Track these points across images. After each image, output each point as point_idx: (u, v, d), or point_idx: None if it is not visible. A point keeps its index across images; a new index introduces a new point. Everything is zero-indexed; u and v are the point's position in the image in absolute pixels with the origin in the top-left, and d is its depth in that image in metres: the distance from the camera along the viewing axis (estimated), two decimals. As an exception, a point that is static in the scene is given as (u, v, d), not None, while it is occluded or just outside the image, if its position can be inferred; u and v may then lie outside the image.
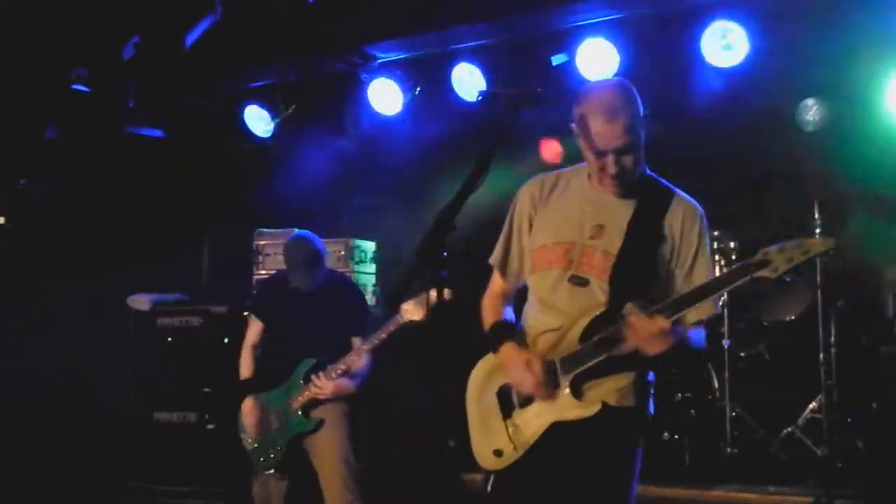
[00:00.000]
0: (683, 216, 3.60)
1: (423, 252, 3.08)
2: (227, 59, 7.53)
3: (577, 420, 3.53)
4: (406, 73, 7.44)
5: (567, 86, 6.41)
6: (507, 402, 3.70)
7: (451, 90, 7.16)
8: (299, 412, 5.89)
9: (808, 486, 6.39)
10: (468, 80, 7.08)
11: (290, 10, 6.67)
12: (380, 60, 7.40)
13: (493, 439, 3.71)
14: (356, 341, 5.92)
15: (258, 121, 8.12)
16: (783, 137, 7.21)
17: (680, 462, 6.97)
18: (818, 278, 7.07)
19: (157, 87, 7.78)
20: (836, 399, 7.00)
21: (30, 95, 7.30)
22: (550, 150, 7.53)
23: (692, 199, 3.67)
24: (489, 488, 3.73)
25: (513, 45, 6.96)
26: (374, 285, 7.90)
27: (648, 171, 3.66)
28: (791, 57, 6.48)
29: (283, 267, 7.22)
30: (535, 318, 3.73)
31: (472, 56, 7.04)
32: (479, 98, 6.75)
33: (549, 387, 3.53)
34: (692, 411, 7.15)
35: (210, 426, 7.71)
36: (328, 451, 5.89)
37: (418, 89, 7.41)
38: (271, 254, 8.05)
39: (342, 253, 7.59)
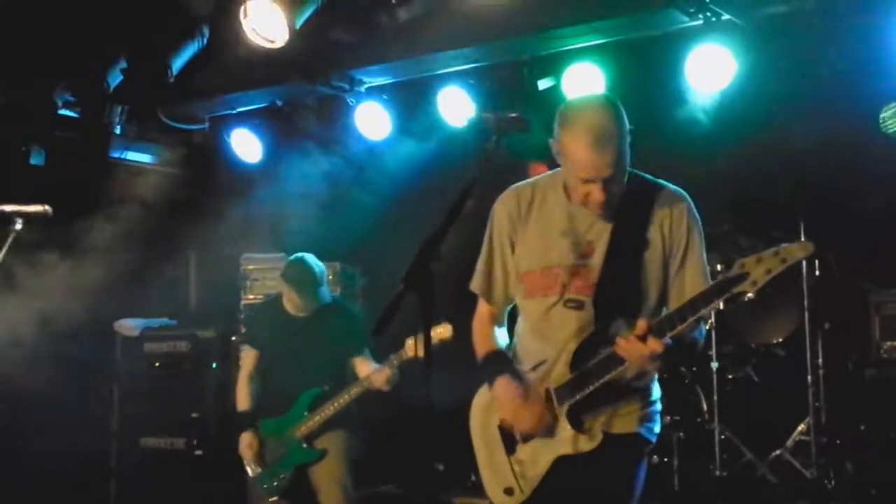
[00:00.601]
0: (671, 210, 3.49)
1: (410, 277, 3.06)
2: (214, 84, 7.53)
3: (579, 454, 3.46)
4: (393, 97, 7.45)
5: (554, 110, 6.42)
6: (510, 436, 3.64)
7: (438, 114, 7.17)
8: (304, 443, 5.87)
9: (798, 508, 6.40)
10: (455, 105, 7.09)
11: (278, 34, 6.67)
12: (367, 85, 7.41)
13: (502, 477, 3.66)
14: (358, 361, 5.92)
15: (245, 146, 8.12)
16: (769, 159, 7.23)
17: (669, 485, 6.96)
18: (805, 301, 7.09)
19: (143, 112, 7.77)
20: (825, 421, 7.01)
21: (15, 120, 7.28)
22: (539, 174, 7.53)
23: (678, 191, 3.57)
24: None
25: (499, 69, 6.97)
26: (360, 309, 7.91)
27: (631, 169, 3.50)
28: (777, 80, 6.51)
29: (271, 291, 7.23)
30: (527, 345, 3.68)
31: (459, 80, 7.05)
32: (467, 123, 6.81)
33: (548, 421, 3.46)
34: (681, 434, 7.15)
35: (198, 452, 7.67)
36: (328, 478, 5.88)
37: (405, 114, 7.42)
38: (259, 278, 8.04)
39: (330, 277, 7.58)
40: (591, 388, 3.40)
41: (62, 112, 7.43)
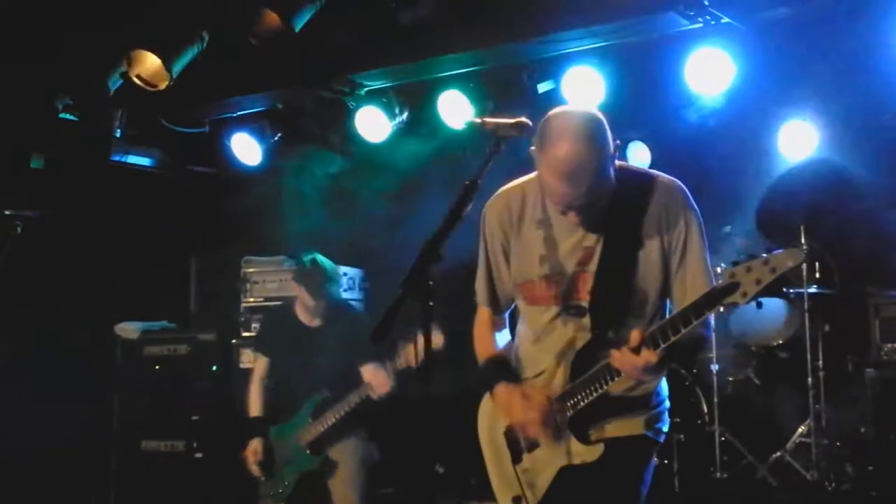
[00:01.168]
0: (666, 204, 3.41)
1: (409, 282, 3.06)
2: (214, 87, 7.53)
3: (583, 464, 3.45)
4: (393, 100, 7.45)
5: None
6: (515, 445, 3.63)
7: (438, 118, 7.18)
8: (307, 450, 5.86)
9: (798, 510, 6.41)
10: (454, 108, 7.09)
11: (277, 37, 6.68)
12: (366, 88, 7.41)
13: (510, 485, 3.64)
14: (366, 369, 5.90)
15: (245, 149, 8.12)
16: (769, 163, 7.24)
17: (669, 488, 6.96)
18: (805, 303, 7.09)
19: (144, 115, 7.77)
20: (825, 423, 7.01)
21: (16, 124, 7.29)
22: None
23: (672, 181, 3.48)
24: None
25: (499, 72, 6.97)
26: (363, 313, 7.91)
27: (619, 163, 3.41)
28: (776, 83, 6.51)
29: (272, 294, 7.24)
30: (528, 352, 3.66)
31: (459, 83, 7.05)
32: (467, 126, 6.81)
33: (554, 425, 3.43)
34: (681, 436, 7.15)
35: (198, 455, 7.67)
36: (343, 488, 5.86)
37: (405, 117, 7.42)
38: (259, 281, 8.04)
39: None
40: (591, 398, 3.38)
41: (62, 116, 7.42)
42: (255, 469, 5.94)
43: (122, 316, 8.22)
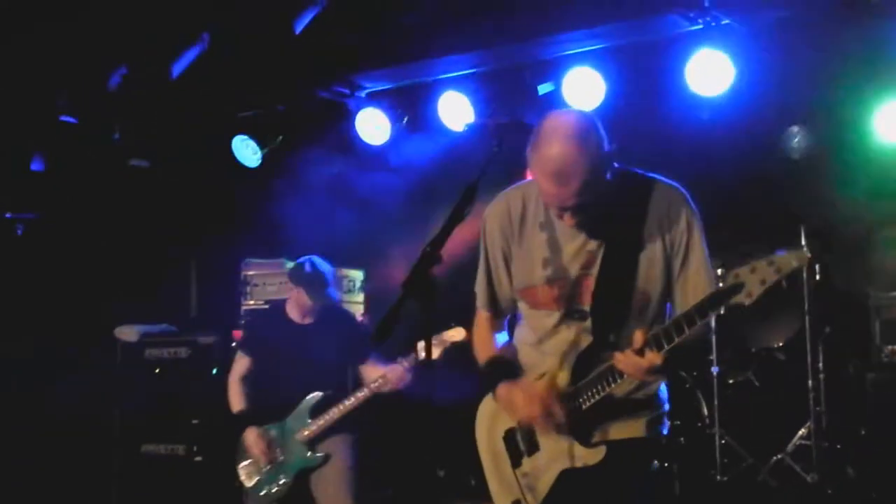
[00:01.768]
0: (668, 207, 3.40)
1: (411, 283, 3.05)
2: (215, 89, 7.53)
3: (585, 467, 3.43)
4: (393, 102, 7.46)
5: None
6: (515, 448, 3.62)
7: (439, 119, 7.18)
8: (305, 447, 5.86)
9: (799, 513, 6.40)
10: (455, 110, 7.09)
11: (278, 39, 6.68)
12: (367, 90, 7.42)
13: (509, 489, 3.63)
14: (365, 367, 5.91)
15: (246, 150, 8.12)
16: (769, 165, 7.24)
17: (670, 491, 6.95)
18: (805, 305, 7.09)
19: (144, 117, 7.77)
20: (825, 425, 7.00)
21: (16, 126, 7.29)
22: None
23: (671, 184, 3.48)
24: None
25: (499, 74, 6.98)
26: (363, 315, 7.91)
27: (618, 166, 3.38)
28: (776, 84, 6.52)
29: (272, 296, 7.23)
30: (529, 355, 3.64)
31: (459, 85, 7.06)
32: (467, 128, 6.81)
33: (561, 418, 3.39)
34: (681, 439, 7.15)
35: (198, 458, 7.66)
36: (335, 484, 5.86)
37: (406, 119, 7.42)
38: (259, 283, 8.03)
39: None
40: (593, 400, 3.38)
41: (63, 118, 7.43)
42: (264, 456, 5.89)
43: (122, 319, 8.21)
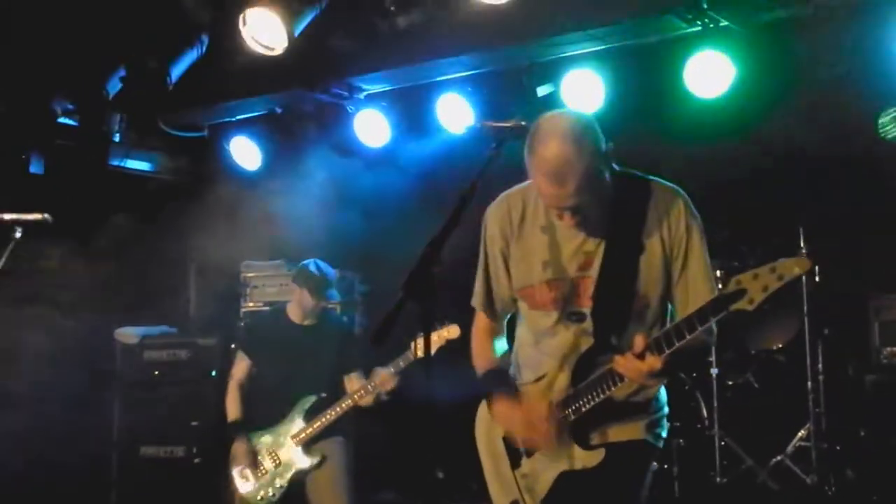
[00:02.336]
0: (668, 210, 3.41)
1: (410, 285, 3.05)
2: (213, 92, 7.53)
3: (584, 469, 3.44)
4: (392, 104, 7.45)
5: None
6: (514, 449, 3.62)
7: (438, 121, 7.18)
8: (301, 449, 5.87)
9: (799, 514, 6.40)
10: (454, 112, 7.09)
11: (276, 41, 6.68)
12: (366, 92, 7.41)
13: (508, 490, 3.63)
14: (349, 379, 5.93)
15: (244, 153, 8.12)
16: (768, 165, 7.23)
17: (669, 492, 6.95)
18: (805, 307, 7.09)
19: (142, 119, 7.77)
20: (825, 427, 7.00)
21: (14, 128, 7.29)
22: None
23: (672, 187, 3.49)
24: None
25: (499, 76, 6.98)
26: (361, 317, 7.91)
27: (618, 168, 3.42)
28: (775, 86, 6.51)
29: (271, 298, 7.26)
30: (528, 356, 3.65)
31: (458, 87, 7.05)
32: (466, 130, 6.81)
33: (553, 435, 3.41)
34: (681, 441, 7.14)
35: (197, 461, 7.65)
36: (328, 486, 5.87)
37: (404, 120, 7.43)
38: (259, 286, 8.04)
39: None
40: (593, 403, 3.38)
41: (61, 120, 7.43)
42: (251, 472, 5.92)
43: (121, 321, 8.20)
